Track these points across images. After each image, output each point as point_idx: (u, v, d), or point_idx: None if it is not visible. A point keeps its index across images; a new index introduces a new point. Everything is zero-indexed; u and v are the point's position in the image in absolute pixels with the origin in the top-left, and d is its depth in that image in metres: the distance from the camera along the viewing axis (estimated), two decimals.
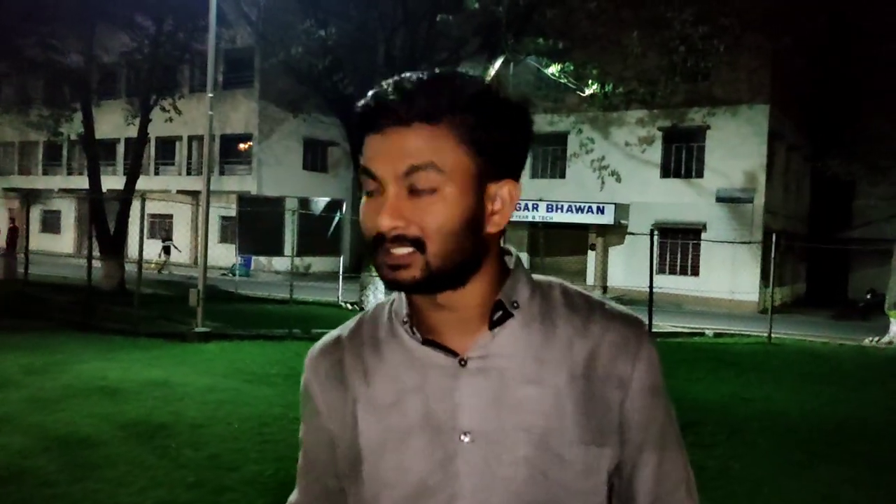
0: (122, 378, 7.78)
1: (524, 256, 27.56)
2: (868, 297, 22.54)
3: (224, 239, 29.17)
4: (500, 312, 0.89)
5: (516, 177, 0.89)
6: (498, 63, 16.16)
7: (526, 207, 26.31)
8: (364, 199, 0.87)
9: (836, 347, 14.14)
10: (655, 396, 0.92)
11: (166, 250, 27.65)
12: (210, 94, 11.53)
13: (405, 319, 0.91)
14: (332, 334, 1.01)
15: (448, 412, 0.88)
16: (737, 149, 23.16)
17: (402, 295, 0.93)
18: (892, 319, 15.70)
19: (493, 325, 0.89)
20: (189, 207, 30.82)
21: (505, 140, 0.86)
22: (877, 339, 15.63)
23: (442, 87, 0.84)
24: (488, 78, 16.37)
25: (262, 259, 26.86)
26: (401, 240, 0.83)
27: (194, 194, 28.83)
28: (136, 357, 9.19)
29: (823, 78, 17.06)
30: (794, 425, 7.11)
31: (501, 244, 0.92)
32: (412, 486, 0.89)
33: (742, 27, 14.39)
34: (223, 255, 26.96)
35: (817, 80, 19.62)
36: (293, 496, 1.07)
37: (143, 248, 11.98)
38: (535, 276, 0.95)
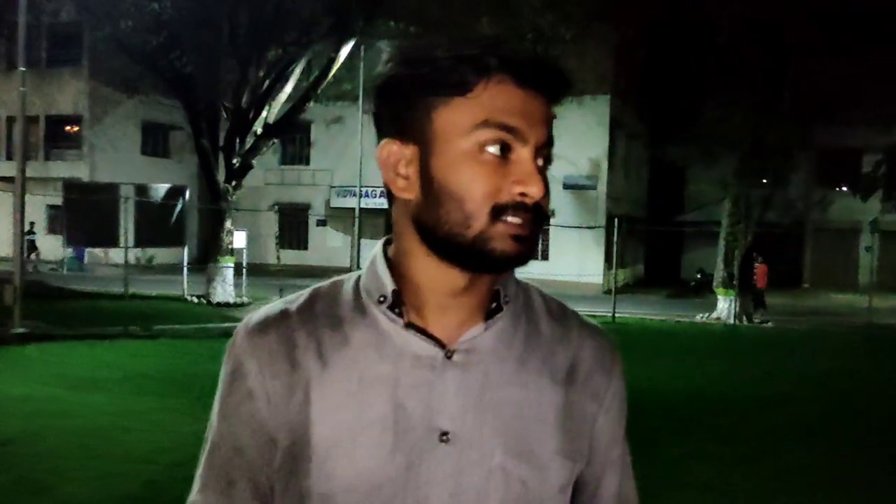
0: None
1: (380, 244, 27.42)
2: (698, 276, 24.34)
3: (53, 230, 26.71)
4: (494, 304, 0.82)
5: None
6: (349, 46, 15.76)
7: (381, 194, 26.00)
8: (471, 155, 0.76)
9: (673, 324, 15.08)
10: (622, 416, 0.91)
11: (31, 245, 24.32)
12: (22, 69, 10.34)
13: (383, 298, 0.81)
14: (273, 307, 0.86)
15: (424, 409, 0.79)
16: (582, 137, 24.13)
17: (383, 269, 0.82)
18: (719, 297, 16.99)
19: (489, 315, 0.81)
20: (10, 196, 27.92)
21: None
22: (707, 315, 16.86)
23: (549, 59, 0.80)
24: (338, 61, 15.95)
25: (99, 251, 24.84)
26: (537, 210, 0.77)
27: (14, 181, 26.15)
28: None
29: (660, 67, 18.14)
30: (638, 402, 7.34)
31: None
32: (368, 490, 0.78)
33: (586, 17, 14.89)
34: (52, 247, 24.69)
35: (654, 69, 20.86)
36: (196, 498, 0.85)
37: None
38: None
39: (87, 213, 16.56)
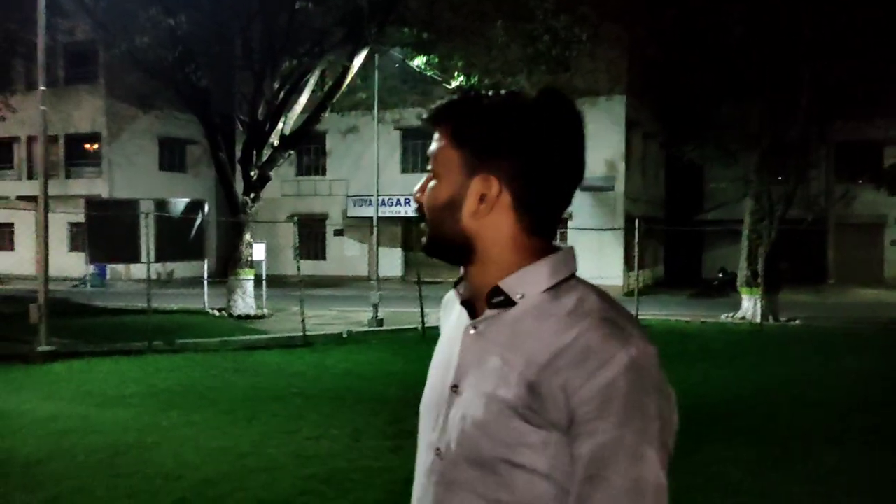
0: None
1: (397, 252, 27.36)
2: (720, 275, 24.05)
3: (74, 247, 26.98)
4: (502, 298, 1.01)
5: (503, 174, 1.01)
6: (362, 55, 15.76)
7: (398, 203, 26.05)
8: None
9: (699, 325, 14.87)
10: (608, 412, 0.91)
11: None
12: (42, 88, 10.40)
13: (457, 282, 1.11)
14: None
15: (453, 364, 1.05)
16: (598, 138, 23.94)
17: None
18: (743, 296, 16.74)
19: (492, 306, 1.01)
20: (32, 214, 28.19)
21: (481, 134, 1.01)
22: (732, 314, 16.62)
23: (445, 101, 1.08)
24: (352, 71, 15.95)
25: (120, 267, 25.02)
26: (419, 210, 1.07)
27: (37, 200, 26.43)
28: None
29: (675, 67, 18.00)
30: None
31: (528, 239, 1.03)
32: (428, 412, 1.08)
33: (599, 18, 14.79)
34: (74, 264, 24.91)
35: (669, 68, 20.71)
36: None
37: None
38: (573, 283, 1.02)
39: (108, 230, 16.67)
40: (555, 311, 0.98)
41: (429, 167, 1.05)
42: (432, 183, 1.05)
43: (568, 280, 1.02)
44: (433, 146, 1.05)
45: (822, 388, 8.18)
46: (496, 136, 1.00)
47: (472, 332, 1.03)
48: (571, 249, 1.07)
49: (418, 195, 1.06)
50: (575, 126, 1.03)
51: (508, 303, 1.00)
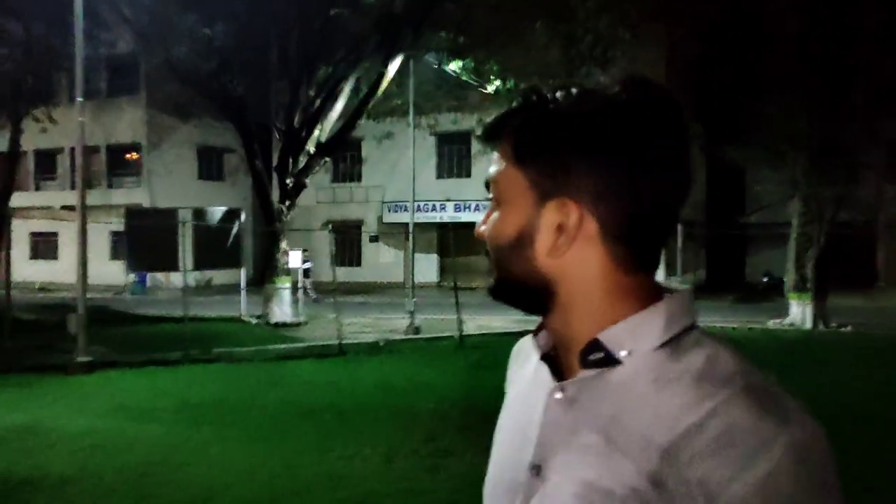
0: None
1: (433, 258, 27.18)
2: (765, 279, 23.36)
3: (116, 256, 27.41)
4: (602, 355, 0.79)
5: (585, 195, 0.78)
6: (397, 61, 15.64)
7: (433, 208, 25.91)
8: None
9: (745, 332, 14.37)
10: None
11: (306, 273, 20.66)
12: (79, 99, 10.46)
13: (536, 329, 0.89)
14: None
15: (532, 436, 0.83)
16: None
17: None
18: (792, 301, 16.16)
19: (590, 364, 0.80)
20: (75, 224, 28.78)
21: (550, 146, 0.80)
22: (780, 320, 16.06)
23: (512, 108, 0.86)
24: (388, 77, 15.84)
25: (160, 275, 25.35)
26: (485, 245, 0.86)
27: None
28: (2, 397, 8.13)
29: (718, 66, 17.52)
30: None
31: (622, 281, 0.80)
32: (498, 497, 0.86)
33: (639, 18, 14.46)
34: (116, 273, 25.29)
35: (710, 68, 20.19)
36: None
37: (10, 269, 10.80)
38: (695, 335, 0.78)
39: (147, 239, 16.82)
40: (677, 374, 0.75)
41: (489, 195, 0.85)
42: (495, 214, 0.83)
43: (688, 332, 0.78)
44: (492, 168, 0.85)
45: (889, 403, 7.72)
46: (569, 146, 0.79)
47: (558, 395, 0.81)
48: (689, 292, 0.82)
49: (481, 229, 0.86)
50: (674, 123, 0.79)
51: (610, 361, 0.78)
